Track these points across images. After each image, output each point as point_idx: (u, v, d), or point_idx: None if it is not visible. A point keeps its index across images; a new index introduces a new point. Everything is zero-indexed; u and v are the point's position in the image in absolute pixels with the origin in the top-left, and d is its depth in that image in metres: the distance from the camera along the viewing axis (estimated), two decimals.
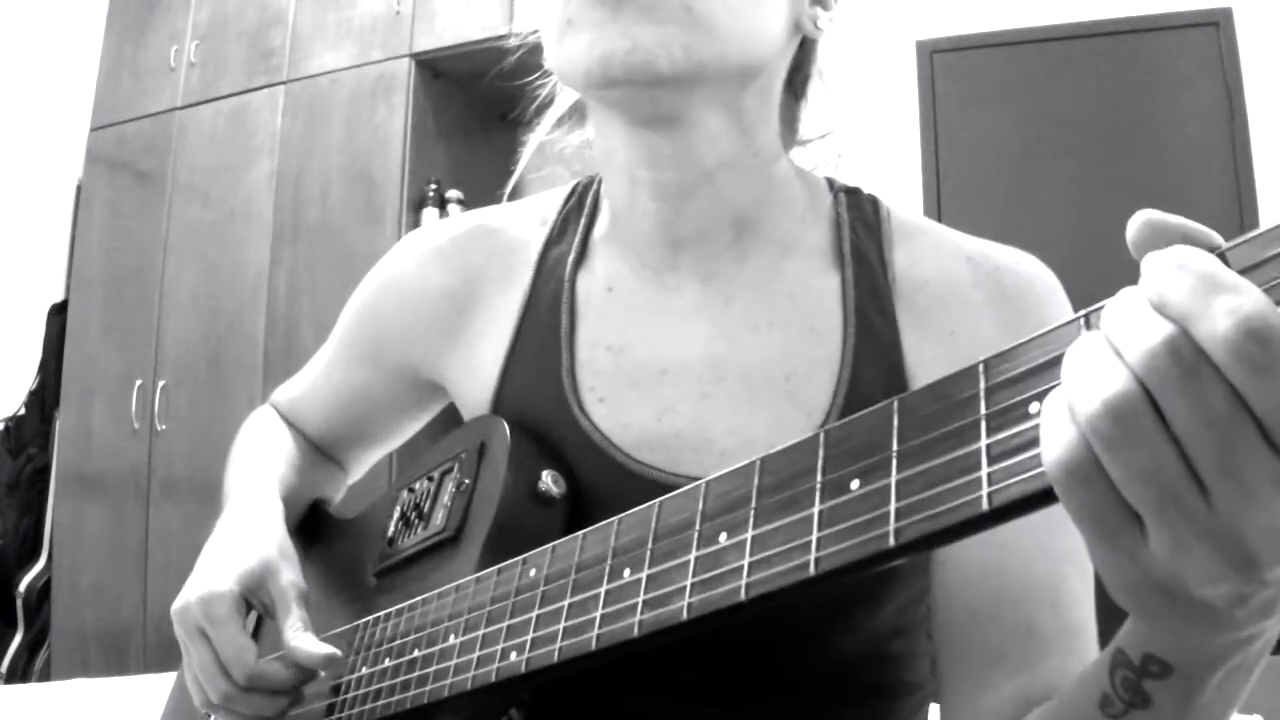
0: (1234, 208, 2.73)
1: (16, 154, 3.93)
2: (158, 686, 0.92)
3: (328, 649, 0.67)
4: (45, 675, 3.56)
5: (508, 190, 0.92)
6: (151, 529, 3.42)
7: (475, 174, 3.33)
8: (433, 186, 3.21)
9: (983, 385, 0.34)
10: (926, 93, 3.12)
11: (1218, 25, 2.82)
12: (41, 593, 3.66)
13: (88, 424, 3.59)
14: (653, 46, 0.60)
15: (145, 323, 3.53)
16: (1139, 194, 2.75)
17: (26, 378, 3.84)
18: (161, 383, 3.46)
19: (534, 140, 0.83)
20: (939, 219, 1.03)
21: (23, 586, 3.65)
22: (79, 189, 3.84)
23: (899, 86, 3.18)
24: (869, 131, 3.08)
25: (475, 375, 0.78)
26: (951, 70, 3.11)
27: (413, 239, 0.85)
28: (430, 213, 3.19)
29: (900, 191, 3.02)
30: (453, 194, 3.23)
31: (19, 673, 3.60)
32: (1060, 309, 0.69)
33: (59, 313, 3.84)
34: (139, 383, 3.48)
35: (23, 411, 3.83)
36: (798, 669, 0.68)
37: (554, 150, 0.83)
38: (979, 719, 0.61)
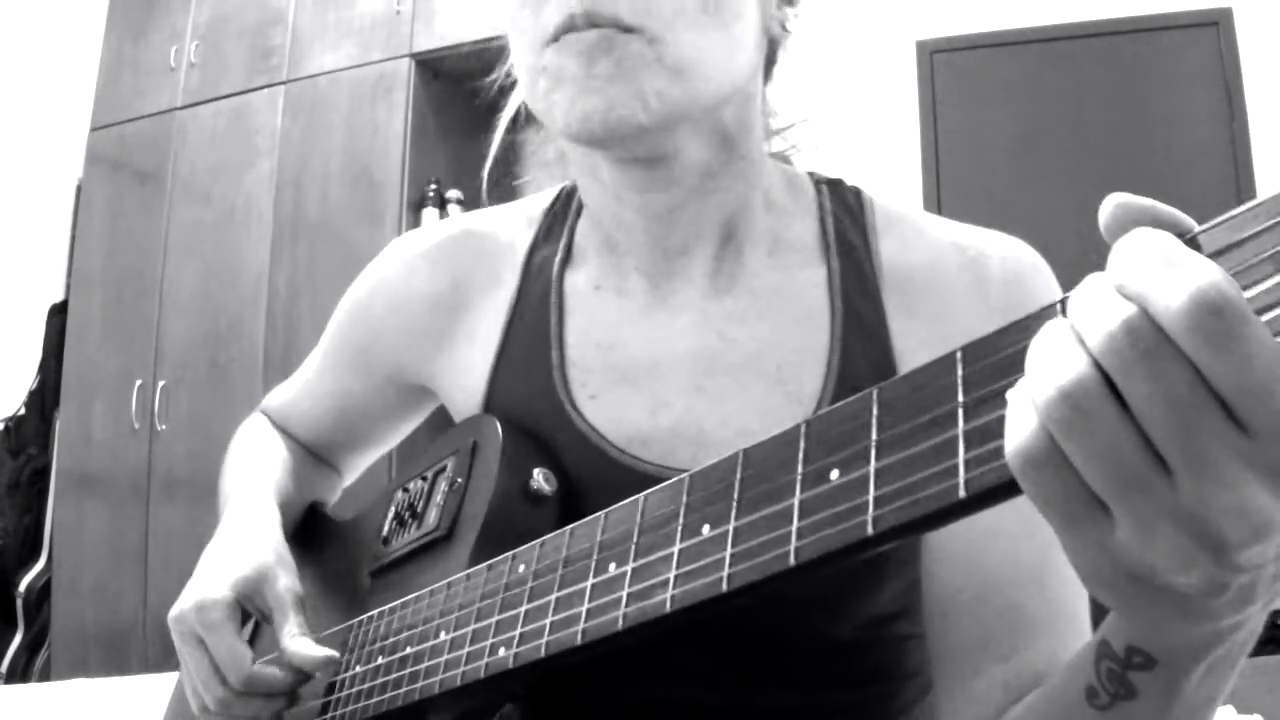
0: (1234, 207, 2.73)
1: (16, 154, 3.93)
2: (158, 686, 0.92)
3: (325, 651, 0.67)
4: (45, 675, 3.56)
5: (483, 190, 0.92)
6: (151, 529, 3.42)
7: (475, 174, 3.31)
8: (433, 186, 3.21)
9: (960, 372, 0.34)
10: (926, 93, 3.12)
11: (1218, 25, 2.82)
12: (41, 593, 3.66)
13: (88, 424, 3.59)
14: (629, 101, 0.61)
15: (145, 323, 3.53)
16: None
17: (26, 378, 3.84)
18: (161, 383, 3.46)
19: (496, 136, 0.83)
20: None
21: (23, 586, 3.65)
22: (79, 189, 3.84)
23: (899, 86, 3.18)
24: (869, 131, 3.10)
25: (465, 378, 0.78)
26: (951, 70, 3.11)
27: (400, 244, 0.86)
28: (430, 213, 3.19)
29: (900, 191, 3.02)
30: (453, 194, 3.23)
31: (19, 673, 3.60)
32: (1045, 292, 0.68)
33: (59, 313, 3.85)
34: (139, 383, 3.49)
35: (23, 411, 3.84)
36: (799, 652, 0.68)
37: (538, 157, 0.83)
38: (969, 704, 0.60)
